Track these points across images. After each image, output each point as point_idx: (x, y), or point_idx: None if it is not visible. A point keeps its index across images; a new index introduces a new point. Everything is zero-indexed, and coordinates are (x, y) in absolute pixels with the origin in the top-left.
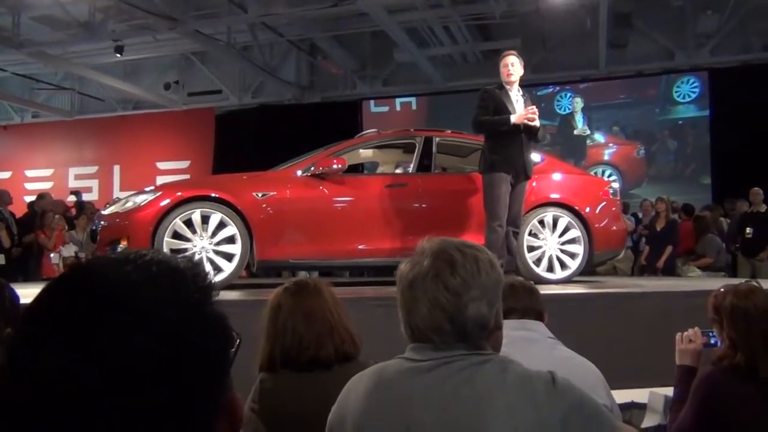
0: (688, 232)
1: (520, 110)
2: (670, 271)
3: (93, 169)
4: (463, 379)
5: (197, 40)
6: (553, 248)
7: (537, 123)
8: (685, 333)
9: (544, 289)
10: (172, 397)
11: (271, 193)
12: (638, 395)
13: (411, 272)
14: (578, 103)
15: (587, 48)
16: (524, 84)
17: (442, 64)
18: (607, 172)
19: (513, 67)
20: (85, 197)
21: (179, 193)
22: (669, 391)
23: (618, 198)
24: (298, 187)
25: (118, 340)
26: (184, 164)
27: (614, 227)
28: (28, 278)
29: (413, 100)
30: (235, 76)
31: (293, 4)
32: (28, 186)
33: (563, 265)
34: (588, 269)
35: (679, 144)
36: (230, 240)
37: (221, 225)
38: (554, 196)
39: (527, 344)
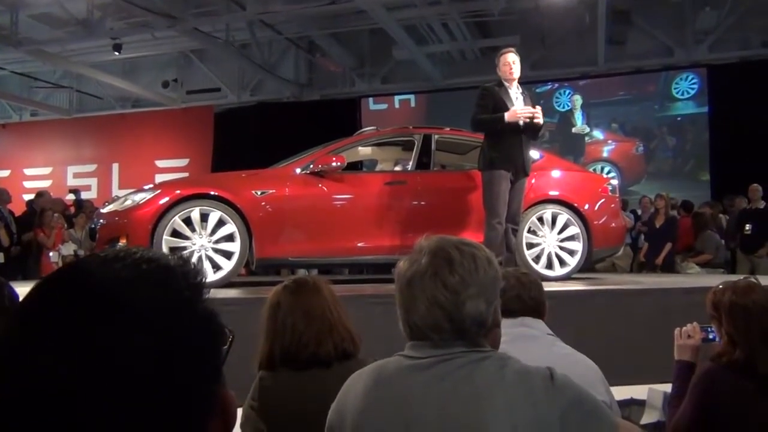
0: (687, 229)
1: (519, 108)
2: (669, 267)
3: (92, 168)
4: (462, 376)
5: (196, 38)
6: (552, 245)
7: (540, 121)
8: (684, 328)
9: (544, 287)
10: (162, 394)
11: (270, 191)
12: (637, 392)
13: (409, 270)
14: (577, 100)
15: (586, 45)
16: (523, 81)
17: (441, 62)
18: (606, 169)
19: (515, 65)
20: (84, 195)
21: (178, 192)
22: (668, 387)
23: (617, 195)
24: (297, 185)
25: (107, 338)
26: (183, 162)
27: (613, 224)
28: (27, 277)
29: (412, 97)
30: (233, 74)
31: (291, 1)
32: (27, 184)
33: (562, 262)
34: (587, 266)
35: (678, 141)
36: (229, 238)
37: (220, 223)
38: (553, 193)
39: (526, 341)
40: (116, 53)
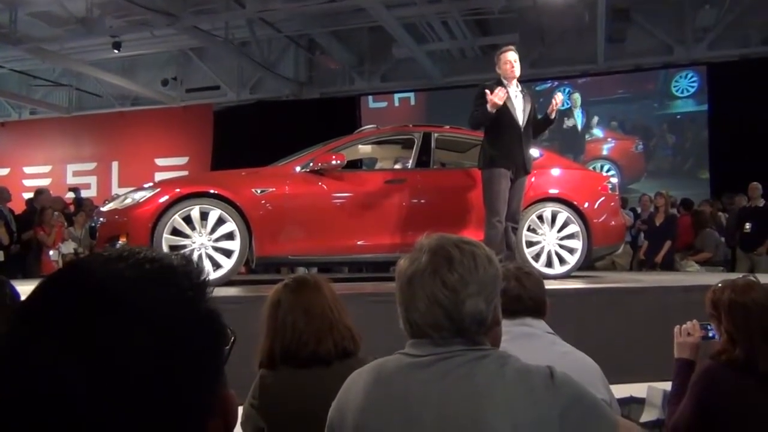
0: (686, 227)
1: (519, 106)
2: (668, 265)
3: (91, 166)
4: (462, 374)
5: (195, 36)
6: (551, 243)
7: (554, 115)
8: (684, 326)
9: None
10: (164, 394)
11: (270, 190)
12: (637, 390)
13: (409, 268)
14: (577, 98)
15: (585, 43)
16: (522, 79)
17: (441, 60)
18: (606, 167)
19: (516, 63)
20: (84, 194)
21: (178, 190)
22: (667, 385)
23: (616, 193)
24: (297, 184)
25: (110, 338)
26: (183, 160)
27: (613, 222)
28: (27, 275)
29: (412, 95)
30: (233, 72)
31: None
32: (27, 183)
33: (562, 261)
34: (587, 264)
35: (678, 139)
36: (229, 236)
37: (220, 221)
38: (553, 191)
39: (526, 339)
40: (116, 51)
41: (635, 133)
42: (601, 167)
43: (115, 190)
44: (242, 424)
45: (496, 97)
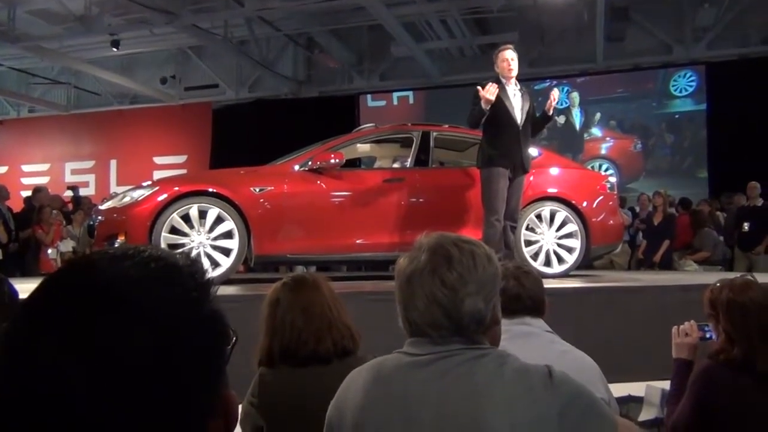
0: (685, 227)
1: (518, 105)
2: (667, 265)
3: (89, 164)
4: (461, 373)
5: (194, 35)
6: (550, 242)
7: (552, 112)
8: (682, 326)
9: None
10: (165, 394)
11: (269, 188)
12: (635, 389)
13: (408, 267)
14: (575, 97)
15: (584, 42)
16: (521, 78)
17: (440, 58)
18: (604, 167)
19: (513, 62)
20: (82, 192)
21: (176, 188)
22: (666, 384)
23: (615, 192)
24: (296, 182)
25: (114, 337)
26: (181, 159)
27: (611, 221)
28: (25, 274)
29: (410, 94)
30: (231, 71)
31: None
32: (25, 181)
33: (560, 260)
34: (585, 263)
35: (676, 138)
36: (228, 235)
37: (219, 220)
38: (551, 190)
39: (525, 338)
40: (114, 49)
41: (634, 133)
42: (600, 166)
43: (114, 188)
44: (241, 422)
45: (488, 93)
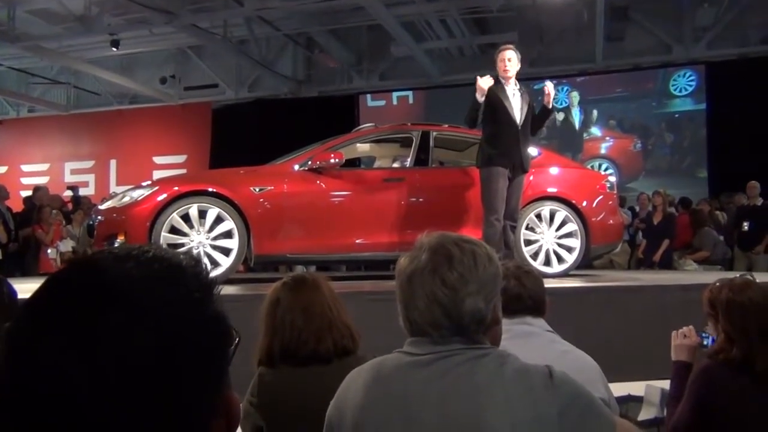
0: (684, 226)
1: (517, 105)
2: (666, 264)
3: (89, 164)
4: (461, 373)
5: (193, 34)
6: (550, 242)
7: (551, 105)
8: (680, 330)
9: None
10: (168, 394)
11: (269, 188)
12: (635, 388)
13: (409, 267)
14: (575, 97)
15: (584, 42)
16: (520, 78)
17: (439, 58)
18: (604, 166)
19: (510, 62)
20: (82, 192)
21: (176, 188)
22: (665, 383)
23: (615, 192)
24: (296, 182)
25: (117, 337)
26: (181, 159)
27: (611, 221)
28: (25, 273)
29: (410, 94)
30: (231, 71)
31: None
32: (24, 181)
33: (560, 259)
34: (585, 263)
35: (676, 137)
36: (227, 235)
37: (218, 220)
38: (551, 189)
39: (526, 338)
40: (114, 49)
41: (633, 132)
42: (600, 166)
43: (114, 188)
44: (241, 422)
45: (482, 81)
